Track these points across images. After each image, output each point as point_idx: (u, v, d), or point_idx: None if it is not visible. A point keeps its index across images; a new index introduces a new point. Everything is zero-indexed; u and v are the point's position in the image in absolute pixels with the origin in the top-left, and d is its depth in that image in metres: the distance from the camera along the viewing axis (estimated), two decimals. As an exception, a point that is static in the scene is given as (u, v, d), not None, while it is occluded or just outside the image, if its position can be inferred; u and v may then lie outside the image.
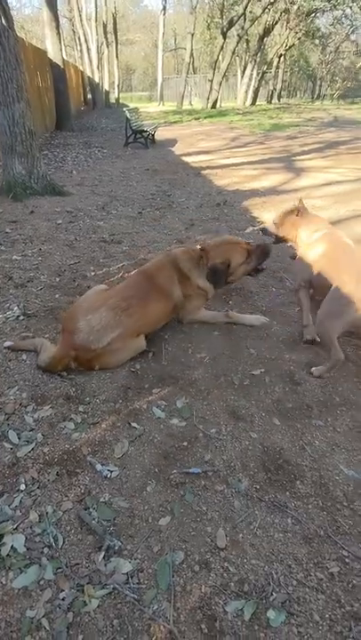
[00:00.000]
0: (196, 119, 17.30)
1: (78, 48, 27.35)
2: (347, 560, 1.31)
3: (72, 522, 1.42)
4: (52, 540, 1.36)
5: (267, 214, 4.87)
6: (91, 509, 1.46)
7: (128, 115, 10.03)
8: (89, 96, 24.38)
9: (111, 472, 1.59)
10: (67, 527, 1.41)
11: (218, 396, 1.99)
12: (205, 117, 17.58)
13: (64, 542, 1.36)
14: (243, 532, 1.39)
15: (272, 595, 1.22)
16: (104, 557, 1.31)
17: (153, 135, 10.75)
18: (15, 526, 1.40)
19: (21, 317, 2.59)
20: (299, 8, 20.57)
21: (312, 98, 30.40)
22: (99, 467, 1.61)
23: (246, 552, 1.33)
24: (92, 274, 3.25)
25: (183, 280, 2.37)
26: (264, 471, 1.61)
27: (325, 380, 2.10)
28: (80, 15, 22.55)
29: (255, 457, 1.67)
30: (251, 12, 20.03)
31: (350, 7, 19.64)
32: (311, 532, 1.39)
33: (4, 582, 1.25)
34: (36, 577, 1.27)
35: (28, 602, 1.21)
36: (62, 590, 1.23)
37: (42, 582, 1.26)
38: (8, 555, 1.31)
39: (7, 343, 2.29)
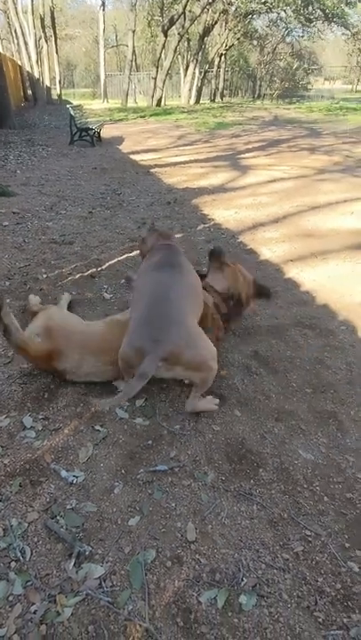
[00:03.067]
0: (141, 117, 17.20)
1: (15, 42, 26.18)
2: (309, 539, 1.39)
3: (39, 532, 1.39)
4: (18, 553, 1.32)
5: (217, 212, 4.97)
6: (58, 517, 1.43)
7: (72, 112, 9.78)
8: (29, 92, 23.43)
9: (77, 477, 1.57)
10: (34, 538, 1.37)
11: (179, 393, 2.02)
12: (151, 115, 17.52)
13: (32, 554, 1.33)
14: (212, 523, 1.43)
15: (243, 580, 1.27)
16: (75, 564, 1.30)
17: (99, 133, 10.56)
18: (-22, 544, 1.34)
19: (-30, 325, 2.46)
20: (236, 9, 21.04)
21: (253, 97, 31.22)
22: (64, 473, 1.58)
23: (216, 542, 1.37)
24: (44, 276, 3.15)
25: None
26: (228, 462, 1.66)
27: (280, 370, 2.19)
28: (15, 7, 21.57)
29: (219, 449, 1.71)
30: (190, 11, 20.19)
31: (284, 10, 20.40)
32: (276, 515, 1.46)
33: (-31, 603, 1.19)
34: (3, 594, 1.22)
35: (-3, 620, 1.17)
36: (33, 603, 1.20)
37: (11, 598, 1.22)
38: (-28, 574, 1.26)
39: None
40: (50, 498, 1.50)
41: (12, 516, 1.43)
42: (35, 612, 1.18)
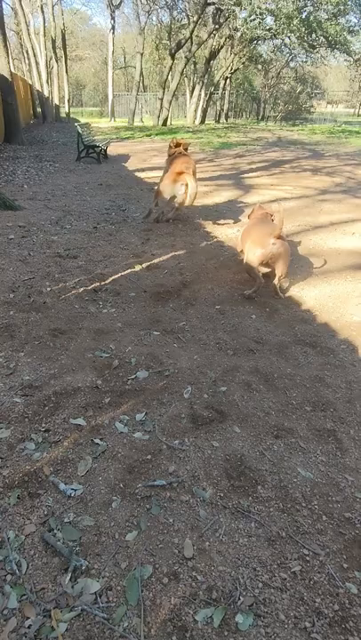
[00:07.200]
0: (147, 136, 17.57)
1: (26, 62, 26.99)
2: (307, 558, 1.38)
3: (36, 545, 1.38)
4: (14, 566, 1.32)
5: (220, 229, 5.04)
6: (55, 531, 1.43)
7: (80, 130, 10.01)
8: (38, 109, 24.02)
9: (75, 491, 1.57)
10: (30, 551, 1.37)
11: (180, 409, 2.02)
12: (157, 134, 17.90)
13: (28, 567, 1.32)
14: (209, 539, 1.42)
15: (240, 599, 1.25)
16: (71, 579, 1.29)
17: (105, 150, 10.78)
18: (-26, 555, 1.34)
19: (-27, 336, 2.49)
20: (242, 35, 21.67)
21: (257, 119, 31.92)
22: (62, 486, 1.58)
23: (213, 559, 1.36)
24: (48, 289, 3.19)
25: None
26: (227, 479, 1.65)
27: (280, 387, 2.20)
28: (28, 29, 22.29)
29: (218, 465, 1.71)
30: (197, 35, 20.84)
31: (289, 37, 20.98)
32: (274, 534, 1.45)
33: None
34: (-2, 606, 1.22)
35: (-9, 634, 1.15)
36: (28, 618, 1.19)
37: (5, 612, 1.21)
38: (-33, 586, 1.25)
39: None
40: (48, 510, 1.50)
41: (9, 528, 1.43)
42: (29, 627, 1.17)
